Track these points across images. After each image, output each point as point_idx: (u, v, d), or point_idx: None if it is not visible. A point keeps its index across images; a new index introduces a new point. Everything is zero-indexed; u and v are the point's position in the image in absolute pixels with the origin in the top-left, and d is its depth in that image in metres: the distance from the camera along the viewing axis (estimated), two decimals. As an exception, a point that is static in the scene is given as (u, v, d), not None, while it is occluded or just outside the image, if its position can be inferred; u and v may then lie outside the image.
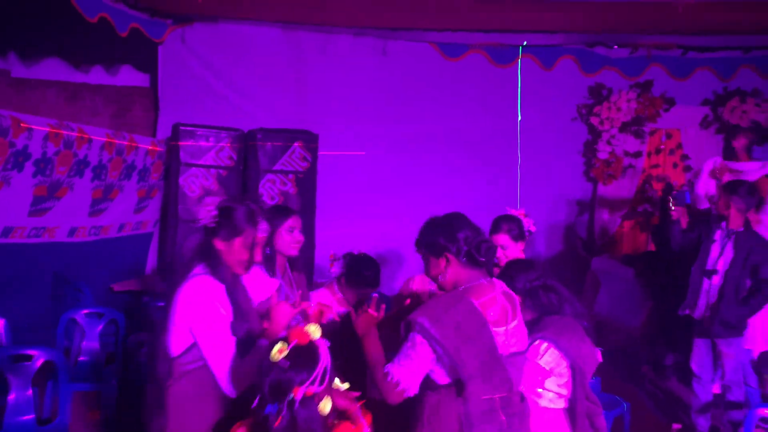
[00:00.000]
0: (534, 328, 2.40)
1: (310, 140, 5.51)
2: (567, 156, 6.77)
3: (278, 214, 2.88)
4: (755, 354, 4.46)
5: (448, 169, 6.52)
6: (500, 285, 2.23)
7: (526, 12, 5.36)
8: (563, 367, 2.46)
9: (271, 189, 5.33)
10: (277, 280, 2.73)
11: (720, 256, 3.97)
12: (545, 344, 2.45)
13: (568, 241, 6.78)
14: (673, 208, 4.00)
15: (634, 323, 5.52)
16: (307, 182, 5.41)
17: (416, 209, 6.38)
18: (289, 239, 2.85)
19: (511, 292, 2.26)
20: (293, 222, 2.86)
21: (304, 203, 5.34)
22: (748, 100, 6.54)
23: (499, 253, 2.98)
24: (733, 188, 3.99)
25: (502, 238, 3.22)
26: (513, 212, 3.33)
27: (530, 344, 2.40)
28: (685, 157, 6.71)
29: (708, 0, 4.73)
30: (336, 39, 6.04)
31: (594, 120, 6.62)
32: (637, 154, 6.63)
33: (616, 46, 6.59)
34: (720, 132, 6.67)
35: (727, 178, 4.64)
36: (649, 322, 5.33)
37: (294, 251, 2.85)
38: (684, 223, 4.44)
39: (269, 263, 2.75)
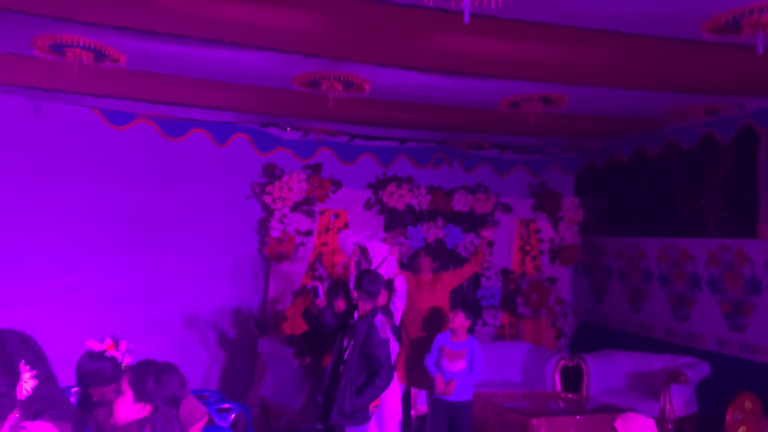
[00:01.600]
0: None
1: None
2: (242, 233, 6.57)
3: None
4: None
5: (105, 247, 5.91)
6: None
7: (199, 90, 4.66)
8: None
9: None
10: None
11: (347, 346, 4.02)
12: None
13: (243, 319, 6.50)
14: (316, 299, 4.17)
15: (295, 406, 5.43)
16: None
17: (56, 294, 5.20)
18: None
19: None
20: None
21: None
22: (403, 186, 6.93)
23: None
24: (356, 281, 4.08)
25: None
26: (104, 347, 2.71)
27: None
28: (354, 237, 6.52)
29: (364, 97, 4.53)
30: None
31: (267, 198, 6.48)
32: (308, 233, 6.65)
33: (288, 129, 6.57)
34: (381, 213, 6.99)
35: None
36: (308, 404, 5.22)
37: None
38: (340, 306, 4.51)
39: None
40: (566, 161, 7.55)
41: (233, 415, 4.03)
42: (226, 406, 4.11)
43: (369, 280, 3.97)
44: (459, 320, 4.75)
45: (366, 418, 3.85)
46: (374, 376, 3.80)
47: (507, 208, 7.33)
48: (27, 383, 1.99)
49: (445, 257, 7.09)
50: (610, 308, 7.31)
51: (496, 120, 5.62)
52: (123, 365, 2.71)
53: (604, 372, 6.19)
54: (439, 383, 4.61)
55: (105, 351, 2.69)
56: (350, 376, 3.79)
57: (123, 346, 2.75)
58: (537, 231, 7.49)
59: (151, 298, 5.74)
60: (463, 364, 4.70)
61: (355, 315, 4.02)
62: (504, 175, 7.43)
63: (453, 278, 5.54)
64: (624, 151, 6.74)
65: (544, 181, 7.50)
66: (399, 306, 4.83)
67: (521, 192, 7.49)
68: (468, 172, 7.29)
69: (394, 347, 4.32)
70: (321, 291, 4.08)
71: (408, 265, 5.99)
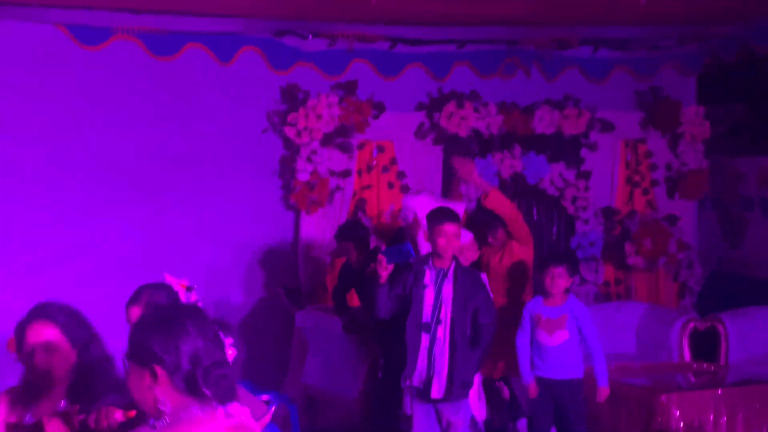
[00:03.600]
0: None
1: None
2: (260, 178, 6.64)
3: None
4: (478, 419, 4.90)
5: (82, 206, 6.04)
6: (228, 418, 2.10)
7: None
8: None
9: None
10: None
11: (438, 302, 4.31)
12: None
13: (270, 289, 6.66)
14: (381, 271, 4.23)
15: (351, 393, 5.58)
16: None
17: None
18: None
19: (250, 424, 2.19)
20: None
21: None
22: (466, 104, 6.84)
23: None
24: (439, 217, 4.39)
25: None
26: (172, 281, 3.16)
27: None
28: (401, 174, 6.85)
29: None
30: None
31: (289, 131, 6.48)
32: (346, 173, 6.65)
33: (310, 36, 6.54)
34: (438, 142, 6.96)
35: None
36: (369, 392, 5.39)
37: None
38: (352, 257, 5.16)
39: None
40: (685, 57, 7.38)
41: (272, 409, 4.12)
42: (264, 398, 4.21)
43: None
44: (561, 280, 4.80)
45: (470, 385, 4.46)
46: (486, 333, 4.40)
47: (607, 126, 7.21)
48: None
49: (528, 197, 7.04)
50: (752, 252, 7.27)
51: (587, 4, 5.45)
52: None
53: (748, 335, 6.19)
54: (532, 391, 4.81)
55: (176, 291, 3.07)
56: (464, 338, 4.33)
57: (193, 296, 3.11)
58: (648, 155, 7.37)
59: (145, 267, 5.75)
60: (566, 335, 4.79)
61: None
62: (600, 82, 7.31)
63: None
64: (766, 38, 6.53)
65: (655, 87, 7.35)
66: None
67: (625, 103, 7.39)
68: (551, 81, 7.20)
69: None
70: (411, 249, 4.18)
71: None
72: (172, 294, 3.09)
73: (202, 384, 2.04)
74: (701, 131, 7.27)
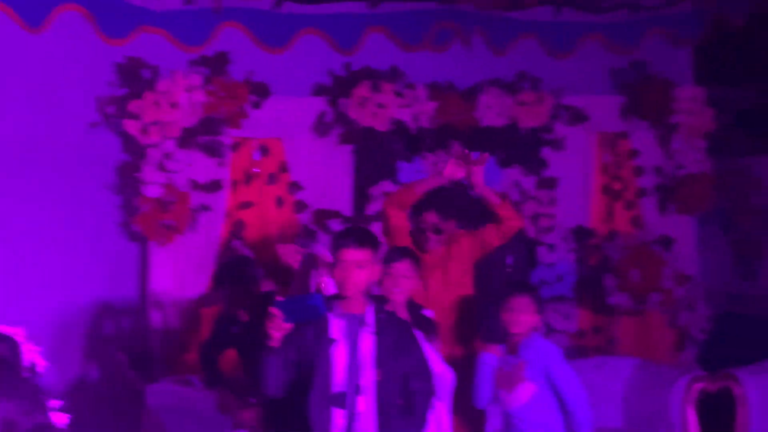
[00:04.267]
0: None
1: None
2: (86, 195, 6.61)
3: None
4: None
5: None
6: None
7: None
8: None
9: None
10: None
11: (355, 363, 4.29)
12: None
13: (108, 355, 6.59)
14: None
15: None
16: None
17: None
18: None
19: None
20: None
21: None
22: (384, 86, 6.82)
23: None
24: (337, 240, 4.44)
25: None
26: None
27: None
28: (295, 186, 6.86)
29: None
30: None
31: (131, 126, 6.46)
32: (215, 186, 6.65)
33: None
34: (346, 140, 6.93)
35: None
36: None
37: None
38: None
39: None
40: (677, 21, 7.51)
41: None
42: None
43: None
44: (525, 316, 4.90)
45: None
46: (421, 402, 4.39)
47: (576, 116, 7.28)
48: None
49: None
50: None
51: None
52: None
53: None
54: None
55: None
56: (397, 411, 4.33)
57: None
58: (633, 154, 7.46)
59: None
60: (531, 387, 4.90)
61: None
62: (566, 56, 7.41)
63: (473, 244, 5.73)
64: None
65: (638, 62, 7.45)
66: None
67: (599, 84, 7.47)
68: (500, 55, 7.28)
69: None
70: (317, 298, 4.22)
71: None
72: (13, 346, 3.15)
73: None
74: (702, 121, 7.36)
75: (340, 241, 4.35)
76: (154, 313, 6.51)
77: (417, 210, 5.51)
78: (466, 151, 5.59)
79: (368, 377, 4.28)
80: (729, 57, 7.43)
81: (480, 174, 5.58)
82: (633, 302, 7.15)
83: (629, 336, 7.29)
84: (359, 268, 4.25)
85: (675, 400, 6.14)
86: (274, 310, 4.08)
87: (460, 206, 6.16)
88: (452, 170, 5.48)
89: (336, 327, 4.30)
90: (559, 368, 4.90)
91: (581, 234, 7.30)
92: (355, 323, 4.32)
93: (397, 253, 5.16)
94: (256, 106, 6.62)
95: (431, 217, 5.57)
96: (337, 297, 4.36)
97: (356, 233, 4.42)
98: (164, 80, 6.39)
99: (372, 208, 6.76)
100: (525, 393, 4.86)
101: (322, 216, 6.78)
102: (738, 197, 7.53)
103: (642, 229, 7.36)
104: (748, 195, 7.48)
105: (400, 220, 5.51)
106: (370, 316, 4.33)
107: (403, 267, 5.12)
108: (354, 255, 4.25)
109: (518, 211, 5.85)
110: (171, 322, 6.50)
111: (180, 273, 6.54)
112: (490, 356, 4.99)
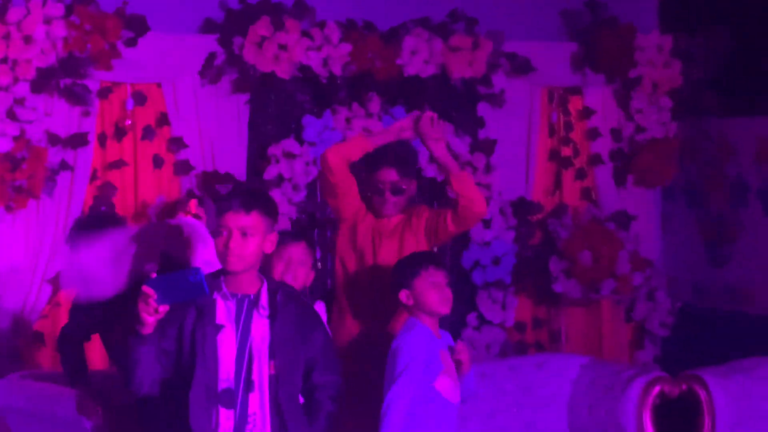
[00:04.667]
0: None
1: None
2: None
3: None
4: None
5: None
6: None
7: None
8: None
9: None
10: None
11: (245, 353, 4.32)
12: None
13: None
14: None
15: None
16: None
17: None
18: None
19: None
20: None
21: None
22: (288, 23, 6.84)
23: None
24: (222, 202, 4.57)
25: None
26: None
27: None
28: (176, 143, 6.85)
29: None
30: None
31: None
32: (78, 140, 6.60)
33: None
34: (240, 89, 6.97)
35: None
36: None
37: None
38: None
39: None
40: None
41: None
42: None
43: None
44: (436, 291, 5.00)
45: None
46: (328, 399, 4.49)
47: (520, 66, 7.38)
48: None
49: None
50: (746, 272, 7.45)
51: None
52: None
53: (742, 404, 6.29)
54: None
55: None
56: (297, 410, 4.38)
57: None
58: (586, 114, 7.59)
59: None
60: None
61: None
62: None
63: (431, 220, 5.76)
64: None
65: (596, 2, 7.54)
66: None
67: (548, 29, 7.58)
68: None
69: None
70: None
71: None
72: None
73: None
74: (668, 76, 7.50)
75: (223, 205, 4.34)
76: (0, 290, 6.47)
77: (371, 166, 5.51)
78: (435, 116, 5.52)
79: (261, 370, 4.27)
80: (700, 0, 7.53)
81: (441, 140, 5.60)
82: (582, 290, 7.26)
83: (577, 330, 7.44)
84: (245, 236, 4.24)
85: (629, 405, 6.18)
86: (147, 289, 4.03)
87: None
88: (402, 127, 5.47)
89: (223, 310, 4.28)
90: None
91: (522, 208, 7.36)
92: (246, 306, 4.30)
93: (289, 236, 5.20)
94: (131, 43, 6.54)
95: (390, 175, 5.56)
96: (223, 273, 4.34)
97: (243, 195, 4.41)
98: (16, 8, 6.26)
99: (271, 172, 6.77)
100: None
101: (211, 180, 6.75)
102: (708, 167, 7.63)
103: (595, 203, 7.48)
104: (720, 165, 7.57)
105: (346, 175, 5.47)
106: (264, 297, 4.32)
107: (297, 251, 5.16)
108: (239, 220, 4.23)
109: (480, 192, 5.72)
110: (21, 304, 6.46)
111: (33, 246, 6.49)
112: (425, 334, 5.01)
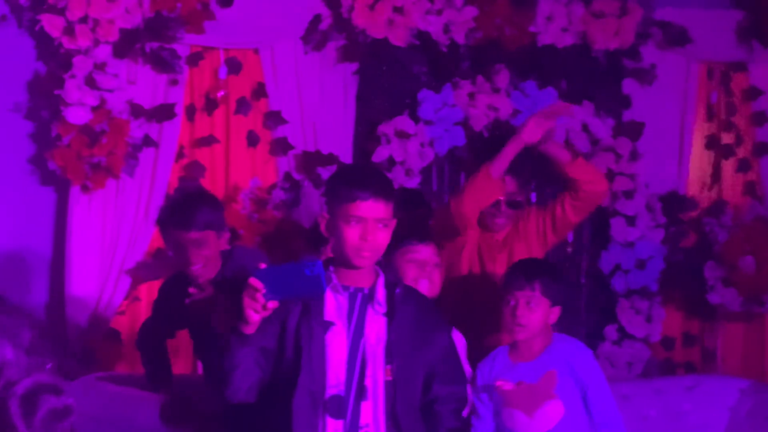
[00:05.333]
0: None
1: None
2: None
3: None
4: None
5: None
6: None
7: None
8: None
9: None
10: None
11: (357, 355, 4.38)
12: None
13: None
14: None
15: None
16: None
17: None
18: None
19: None
20: None
21: None
22: None
23: None
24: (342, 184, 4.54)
25: None
26: None
27: None
28: (275, 118, 6.96)
29: None
30: None
31: (50, 22, 6.50)
32: (165, 113, 6.78)
33: None
34: (348, 57, 7.05)
35: None
36: None
37: None
38: None
39: None
40: None
41: None
42: None
43: None
44: (536, 312, 5.02)
45: None
46: (451, 414, 4.52)
47: (674, 37, 7.39)
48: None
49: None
50: None
51: None
52: None
53: None
54: None
55: None
56: (416, 422, 4.44)
57: None
58: (753, 94, 7.56)
59: None
60: (560, 409, 4.98)
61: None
62: None
63: (541, 220, 5.92)
64: None
65: None
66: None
67: None
68: None
69: None
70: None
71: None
72: None
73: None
74: None
75: (353, 191, 4.31)
76: (74, 282, 6.57)
77: None
78: (569, 106, 5.88)
79: (376, 376, 4.33)
80: None
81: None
82: (743, 302, 7.23)
83: (736, 348, 7.40)
84: (384, 227, 4.30)
85: (797, 435, 6.28)
86: (255, 282, 4.06)
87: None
88: (532, 131, 5.62)
89: (333, 305, 4.33)
90: (597, 381, 5.01)
91: (674, 203, 7.36)
92: (360, 301, 4.37)
93: (414, 236, 5.26)
94: (226, 3, 6.67)
95: (509, 185, 5.76)
96: (333, 262, 4.39)
97: (376, 181, 4.41)
98: (96, -37, 6.41)
99: (381, 153, 6.84)
100: (551, 415, 4.93)
101: (312, 161, 6.85)
102: None
103: (760, 200, 7.46)
104: None
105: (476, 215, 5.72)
106: (380, 292, 4.37)
107: (428, 252, 5.22)
108: (378, 210, 4.26)
109: (599, 171, 5.96)
110: (97, 295, 6.59)
111: (111, 232, 6.62)
112: (492, 365, 5.09)
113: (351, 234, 4.25)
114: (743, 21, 7.46)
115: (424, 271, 5.14)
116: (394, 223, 4.31)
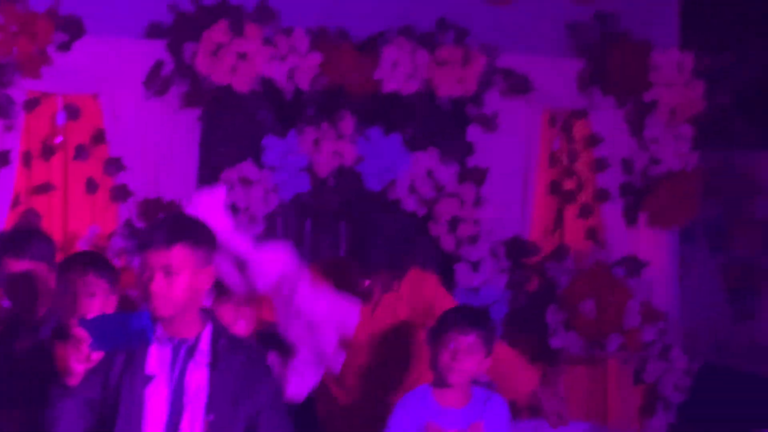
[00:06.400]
0: None
1: None
2: None
3: None
4: None
5: None
6: None
7: None
8: None
9: None
10: None
11: (179, 409, 4.29)
12: None
13: None
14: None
15: None
16: None
17: None
18: None
19: None
20: None
21: None
22: (248, 29, 6.88)
23: None
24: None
25: None
26: None
27: None
28: (115, 165, 6.84)
29: None
30: None
31: None
32: (1, 160, 6.63)
33: None
34: (191, 103, 6.98)
35: None
36: None
37: None
38: None
39: None
40: None
41: None
42: None
43: None
44: (471, 359, 4.98)
45: None
46: None
47: (517, 84, 7.43)
48: None
49: (366, 214, 7.08)
50: None
51: None
52: None
53: None
54: None
55: None
56: None
57: None
58: (592, 141, 7.65)
59: None
60: None
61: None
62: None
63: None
64: None
65: (606, 14, 7.61)
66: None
67: (551, 42, 7.62)
68: None
69: None
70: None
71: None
72: None
73: None
74: (688, 100, 7.54)
75: (143, 240, 4.27)
76: None
77: None
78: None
79: (194, 428, 4.23)
80: (727, 15, 7.53)
81: None
82: (584, 346, 7.27)
83: (578, 392, 7.43)
84: (168, 275, 4.18)
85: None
86: (79, 332, 3.98)
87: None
88: None
89: (155, 358, 4.24)
90: None
91: (517, 248, 7.40)
92: (183, 352, 4.27)
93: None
94: (64, 48, 6.54)
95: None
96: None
97: (164, 226, 4.32)
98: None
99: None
100: None
101: (153, 208, 6.74)
102: (734, 206, 7.69)
103: (601, 245, 7.52)
104: (747, 204, 7.65)
105: None
106: (205, 342, 4.29)
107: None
108: (160, 257, 4.17)
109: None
110: None
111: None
112: (420, 404, 5.03)
113: (140, 284, 4.25)
114: (584, 69, 7.53)
115: (239, 312, 5.16)
116: (187, 267, 4.16)
